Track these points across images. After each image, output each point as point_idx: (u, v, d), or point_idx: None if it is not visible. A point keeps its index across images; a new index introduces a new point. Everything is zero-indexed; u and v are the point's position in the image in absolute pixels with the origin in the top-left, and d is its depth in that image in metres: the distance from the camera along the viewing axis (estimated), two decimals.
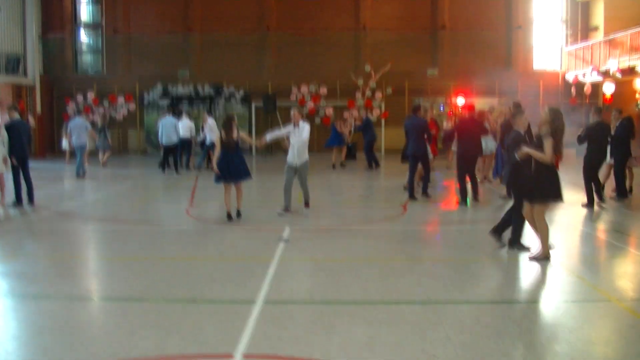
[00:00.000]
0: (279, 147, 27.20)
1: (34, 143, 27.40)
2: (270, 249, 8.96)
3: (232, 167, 11.26)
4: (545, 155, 7.80)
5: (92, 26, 30.48)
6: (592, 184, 12.42)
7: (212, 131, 19.18)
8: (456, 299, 6.65)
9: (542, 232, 8.08)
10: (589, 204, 12.36)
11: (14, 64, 26.27)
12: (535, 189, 7.97)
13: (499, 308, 6.40)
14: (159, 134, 19.83)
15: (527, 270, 7.96)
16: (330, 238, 9.89)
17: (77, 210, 13.14)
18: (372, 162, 20.38)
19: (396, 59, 26.63)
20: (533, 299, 6.96)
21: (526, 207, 8.19)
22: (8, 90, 26.15)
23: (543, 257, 8.06)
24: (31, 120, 26.64)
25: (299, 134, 11.84)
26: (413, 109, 13.99)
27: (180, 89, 28.00)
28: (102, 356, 5.12)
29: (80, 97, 28.54)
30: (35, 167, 22.36)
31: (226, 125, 11.36)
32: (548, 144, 7.81)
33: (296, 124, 11.87)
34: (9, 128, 13.19)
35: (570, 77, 26.82)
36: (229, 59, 27.88)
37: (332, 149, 21.37)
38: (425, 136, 13.36)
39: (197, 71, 28.27)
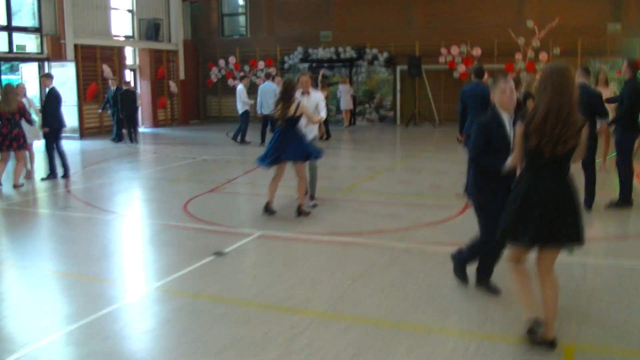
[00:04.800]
0: (425, 117, 24.08)
1: (178, 110, 26.80)
2: (178, 268, 6.37)
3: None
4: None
5: None
6: None
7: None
8: None
9: None
10: None
11: (154, 30, 25.43)
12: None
13: None
14: (258, 101, 17.60)
15: None
16: (288, 256, 7.07)
17: (88, 190, 11.47)
18: None
19: (567, 12, 21.75)
20: None
21: None
22: (146, 56, 25.41)
23: None
24: (172, 86, 26.14)
25: (308, 104, 9.08)
26: (476, 72, 10.31)
27: (321, 52, 25.55)
28: None
29: (222, 62, 27.25)
30: (171, 135, 21.97)
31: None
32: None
33: (305, 92, 9.13)
34: (46, 96, 12.56)
35: None
36: (373, 18, 24.89)
37: None
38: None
39: (339, 32, 25.62)
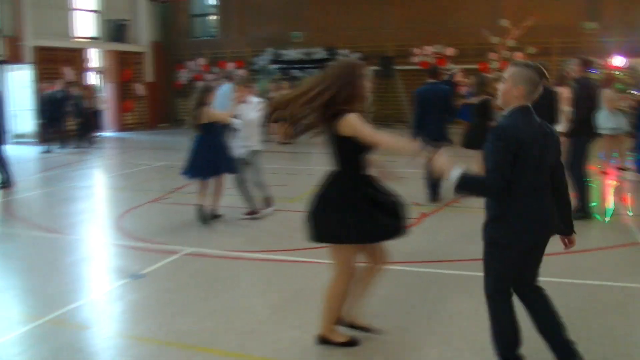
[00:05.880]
0: (397, 118, 23.37)
1: (147, 113, 26.02)
2: (81, 295, 5.62)
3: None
4: None
5: None
6: None
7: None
8: None
9: None
10: None
11: (120, 31, 24.59)
12: None
13: None
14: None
15: None
16: (211, 279, 6.30)
17: (23, 201, 10.71)
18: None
19: (542, 11, 21.12)
20: None
21: None
22: (112, 58, 24.54)
23: None
24: (139, 89, 25.29)
25: (245, 114, 8.44)
26: (431, 72, 9.73)
27: (292, 53, 24.81)
28: None
29: (191, 64, 26.45)
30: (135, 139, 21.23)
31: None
32: None
33: (242, 101, 8.51)
34: None
35: None
36: (346, 19, 24.21)
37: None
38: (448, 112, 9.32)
39: (311, 33, 24.89)
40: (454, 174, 3.62)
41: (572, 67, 8.52)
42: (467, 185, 3.67)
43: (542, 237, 3.78)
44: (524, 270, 3.85)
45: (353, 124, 4.08)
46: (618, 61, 19.41)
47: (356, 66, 4.28)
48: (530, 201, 3.67)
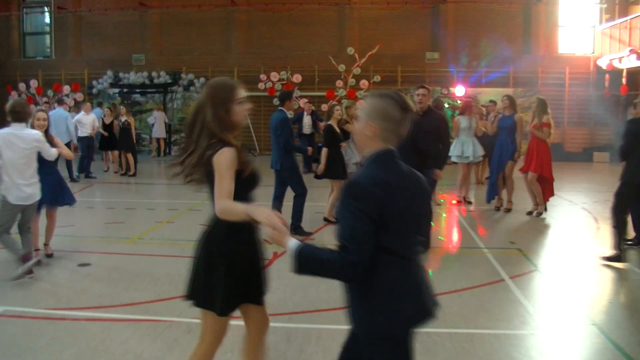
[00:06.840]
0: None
1: None
2: None
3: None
4: None
5: (40, 3, 26.32)
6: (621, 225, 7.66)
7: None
8: None
9: None
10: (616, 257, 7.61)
11: None
12: None
13: None
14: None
15: None
16: (30, 348, 5.27)
17: None
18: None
19: (387, 41, 21.69)
20: None
21: None
22: None
23: None
24: None
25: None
26: (279, 98, 9.49)
27: (133, 76, 23.63)
28: None
29: (23, 86, 24.51)
30: None
31: None
32: None
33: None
34: None
35: (603, 63, 21.30)
36: (190, 42, 23.57)
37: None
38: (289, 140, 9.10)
39: (154, 55, 23.90)
40: (291, 246, 2.74)
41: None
42: (309, 265, 2.72)
43: (418, 322, 2.87)
44: None
45: (219, 162, 3.36)
46: (459, 91, 20.09)
47: (231, 88, 3.56)
48: (401, 273, 2.79)
